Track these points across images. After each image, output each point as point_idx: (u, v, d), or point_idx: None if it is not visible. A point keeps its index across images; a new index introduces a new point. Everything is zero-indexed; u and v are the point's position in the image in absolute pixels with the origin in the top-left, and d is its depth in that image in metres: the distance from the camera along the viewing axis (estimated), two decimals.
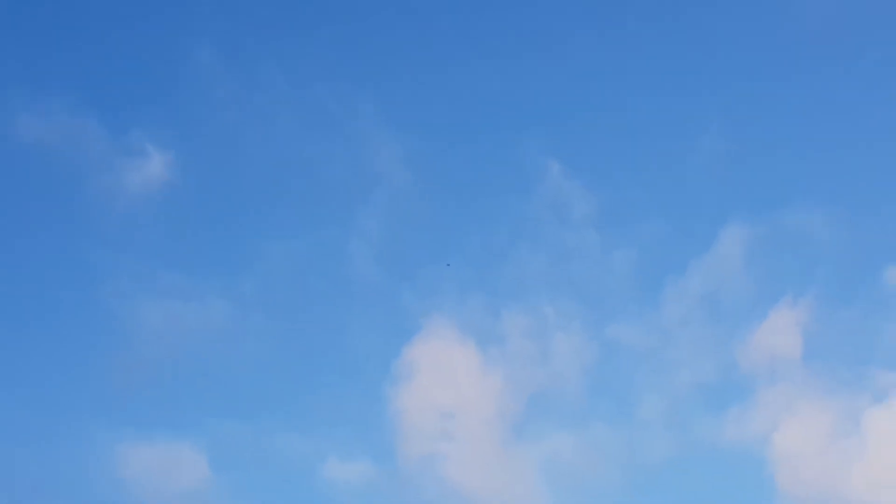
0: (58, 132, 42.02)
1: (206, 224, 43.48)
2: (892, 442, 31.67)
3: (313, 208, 43.90)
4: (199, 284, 40.68)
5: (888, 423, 32.01)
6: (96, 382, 36.39)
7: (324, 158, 44.87)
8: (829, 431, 33.98)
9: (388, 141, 44.78)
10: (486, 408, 37.20)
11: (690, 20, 46.67)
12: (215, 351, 38.88)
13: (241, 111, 45.65)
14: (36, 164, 41.88)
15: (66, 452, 33.69)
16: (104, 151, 42.82)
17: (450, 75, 47.76)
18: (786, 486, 32.71)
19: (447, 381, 37.91)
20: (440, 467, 34.93)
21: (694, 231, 42.46)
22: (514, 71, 47.70)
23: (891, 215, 40.11)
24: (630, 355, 38.75)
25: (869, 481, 31.55)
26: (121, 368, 36.57)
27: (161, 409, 36.03)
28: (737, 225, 40.90)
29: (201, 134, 45.13)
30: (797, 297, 38.77)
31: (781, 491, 33.42)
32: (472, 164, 45.73)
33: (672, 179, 44.00)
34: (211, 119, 45.47)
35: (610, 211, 43.11)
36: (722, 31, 46.53)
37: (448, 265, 40.38)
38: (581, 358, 38.39)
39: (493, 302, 41.41)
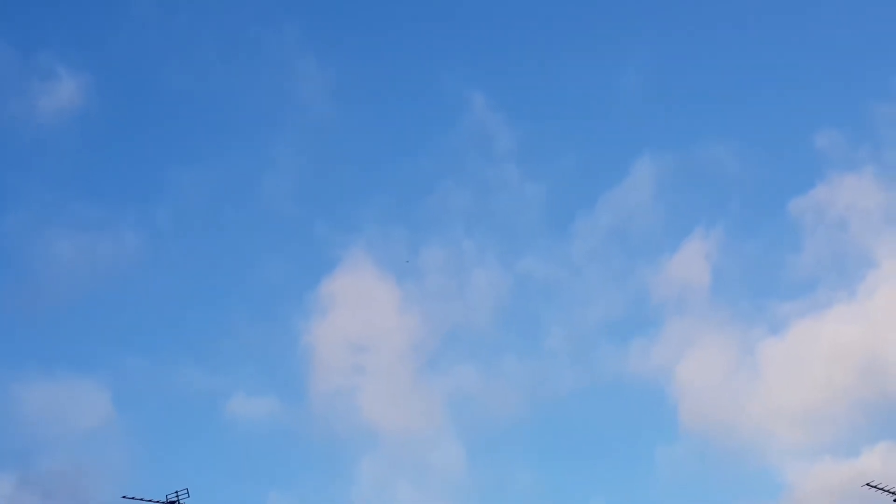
0: None
1: (118, 151, 42.57)
2: (786, 372, 32.41)
3: (229, 137, 43.13)
4: (111, 214, 39.93)
5: (783, 354, 32.72)
6: None
7: (243, 85, 43.87)
8: (729, 363, 34.67)
9: (310, 69, 43.85)
10: (400, 342, 37.23)
11: None
12: (125, 283, 38.29)
13: (158, 33, 44.34)
14: None
15: None
16: (12, 73, 41.51)
17: (377, 3, 46.87)
18: (687, 417, 33.37)
19: (363, 315, 37.76)
20: (351, 402, 34.96)
21: (608, 163, 42.60)
22: (441, 3, 47.03)
23: (795, 149, 40.64)
24: (540, 289, 39.03)
25: (764, 411, 32.31)
26: (23, 301, 35.88)
27: (64, 343, 35.52)
28: (649, 157, 41.04)
29: (115, 56, 43.83)
30: (708, 229, 39.19)
31: (683, 422, 34.15)
32: (396, 95, 45.12)
33: (591, 113, 43.97)
34: (125, 41, 44.11)
35: (530, 144, 42.99)
36: None
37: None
38: (495, 292, 38.53)
39: (412, 236, 41.27)
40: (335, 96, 43.76)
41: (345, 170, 43.67)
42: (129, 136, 43.44)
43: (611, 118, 43.30)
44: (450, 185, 41.83)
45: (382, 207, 41.97)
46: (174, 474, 31.09)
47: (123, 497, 15.26)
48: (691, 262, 37.51)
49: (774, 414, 31.55)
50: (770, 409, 31.84)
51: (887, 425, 30.93)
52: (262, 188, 41.68)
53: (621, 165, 41.44)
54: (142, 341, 36.53)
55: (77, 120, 41.36)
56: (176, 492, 15.83)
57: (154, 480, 30.52)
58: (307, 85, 43.54)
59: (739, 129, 42.35)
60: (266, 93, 44.30)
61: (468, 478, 32.42)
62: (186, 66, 43.82)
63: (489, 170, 42.53)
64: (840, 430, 30.62)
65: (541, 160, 43.34)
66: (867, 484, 18.01)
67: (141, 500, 15.64)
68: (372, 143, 44.53)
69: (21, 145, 41.25)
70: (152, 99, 43.62)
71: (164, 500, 15.83)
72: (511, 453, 33.73)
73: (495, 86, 44.49)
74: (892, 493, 17.79)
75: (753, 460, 31.32)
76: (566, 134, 44.37)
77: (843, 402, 31.03)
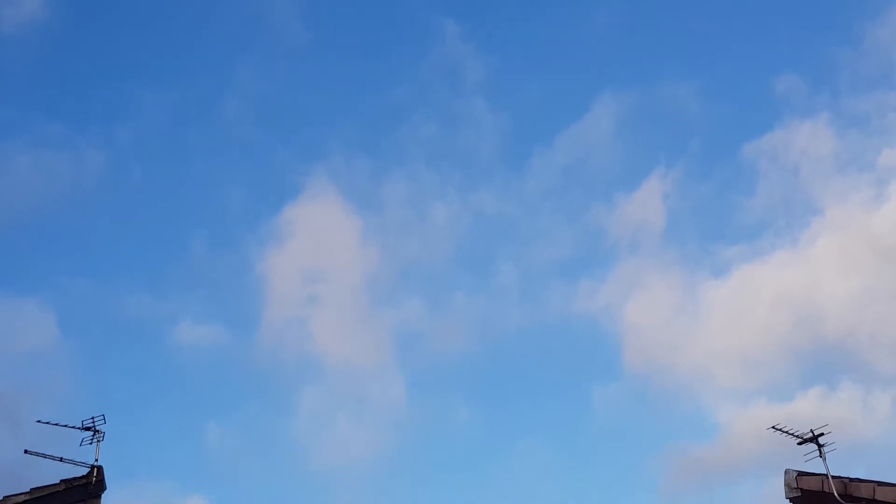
0: None
1: (81, 68, 41.94)
2: (726, 315, 32.97)
3: (194, 57, 42.46)
4: (71, 132, 39.50)
5: (724, 298, 33.25)
6: None
7: (211, 4, 43.14)
8: (673, 305, 35.22)
9: None
10: (357, 274, 37.48)
11: None
12: (81, 203, 38.08)
13: None
14: None
15: None
16: None
17: None
18: (629, 357, 34.04)
19: (321, 245, 37.89)
20: (301, 333, 35.20)
21: (569, 99, 42.42)
22: None
23: (756, 92, 40.61)
24: (494, 225, 39.28)
25: (704, 353, 32.98)
26: None
27: (9, 263, 35.28)
28: (611, 94, 40.88)
29: None
30: (668, 168, 39.41)
31: (625, 362, 34.83)
32: (367, 21, 44.53)
33: (559, 45, 43.58)
34: None
35: (499, 77, 42.71)
36: None
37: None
38: (452, 227, 38.79)
39: (376, 167, 41.27)
40: (304, 20, 43.24)
41: (311, 96, 43.33)
42: (93, 52, 42.78)
43: (578, 51, 43.01)
44: (417, 117, 41.70)
45: (348, 136, 41.83)
46: (110, 400, 31.40)
47: (38, 421, 15.38)
48: (648, 203, 37.77)
49: (713, 356, 32.23)
50: (709, 352, 32.52)
51: (821, 371, 31.70)
52: (225, 111, 41.35)
53: (582, 101, 41.44)
54: (92, 263, 36.46)
55: (40, 33, 40.70)
56: (92, 417, 15.88)
57: (89, 405, 30.66)
58: (276, 7, 42.99)
59: (702, 70, 42.25)
60: (233, 14, 43.69)
61: (406, 412, 33.00)
62: None
63: (457, 102, 42.37)
64: (776, 374, 31.30)
65: (508, 94, 43.20)
66: (773, 427, 18.52)
67: (56, 424, 15.75)
68: (340, 69, 44.12)
69: None
70: (117, 15, 42.87)
71: (80, 425, 15.89)
72: (451, 390, 34.34)
73: (467, 14, 44.06)
74: (796, 436, 18.28)
75: (690, 401, 32.08)
76: (533, 67, 44.09)
77: (780, 347, 31.69)
